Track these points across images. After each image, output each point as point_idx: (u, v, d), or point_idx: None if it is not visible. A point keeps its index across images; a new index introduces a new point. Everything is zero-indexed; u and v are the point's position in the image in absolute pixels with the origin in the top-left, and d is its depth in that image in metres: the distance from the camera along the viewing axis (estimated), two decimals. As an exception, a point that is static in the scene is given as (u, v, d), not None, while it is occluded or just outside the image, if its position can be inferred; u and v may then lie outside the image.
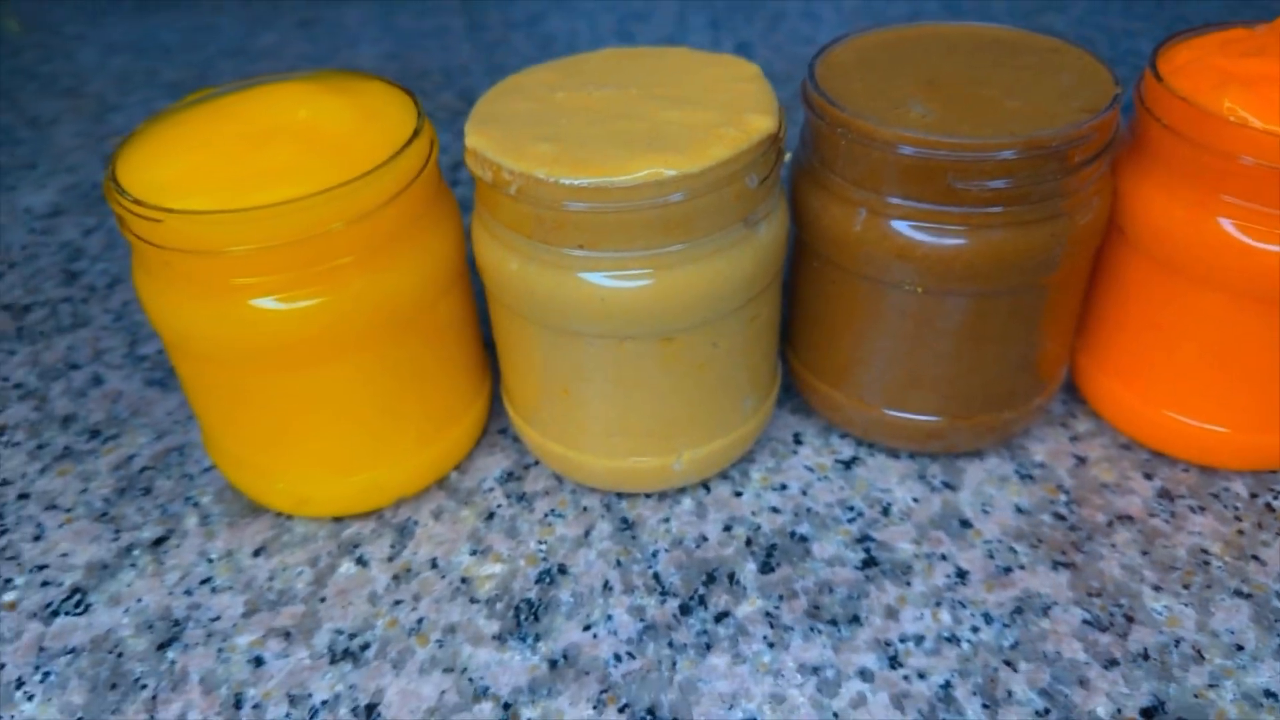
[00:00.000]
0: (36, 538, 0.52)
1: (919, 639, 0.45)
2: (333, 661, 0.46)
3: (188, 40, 1.10)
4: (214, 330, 0.45)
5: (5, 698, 0.45)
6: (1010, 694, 0.42)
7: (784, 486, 0.53)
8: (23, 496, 0.55)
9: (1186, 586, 0.47)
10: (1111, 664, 0.43)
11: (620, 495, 0.53)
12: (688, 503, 0.52)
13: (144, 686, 0.45)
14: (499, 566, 0.49)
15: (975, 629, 0.45)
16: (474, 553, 0.50)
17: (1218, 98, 0.45)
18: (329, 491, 0.51)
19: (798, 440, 0.56)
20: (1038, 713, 0.42)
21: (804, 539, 0.50)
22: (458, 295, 0.51)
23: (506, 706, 0.43)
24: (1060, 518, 0.50)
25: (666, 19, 1.03)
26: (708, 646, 0.45)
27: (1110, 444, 0.54)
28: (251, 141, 0.46)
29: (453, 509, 0.53)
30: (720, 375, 0.48)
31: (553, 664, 0.45)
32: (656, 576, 0.48)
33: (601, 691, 0.43)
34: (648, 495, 0.53)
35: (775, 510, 0.51)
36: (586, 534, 0.51)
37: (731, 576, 0.48)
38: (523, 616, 0.47)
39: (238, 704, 0.44)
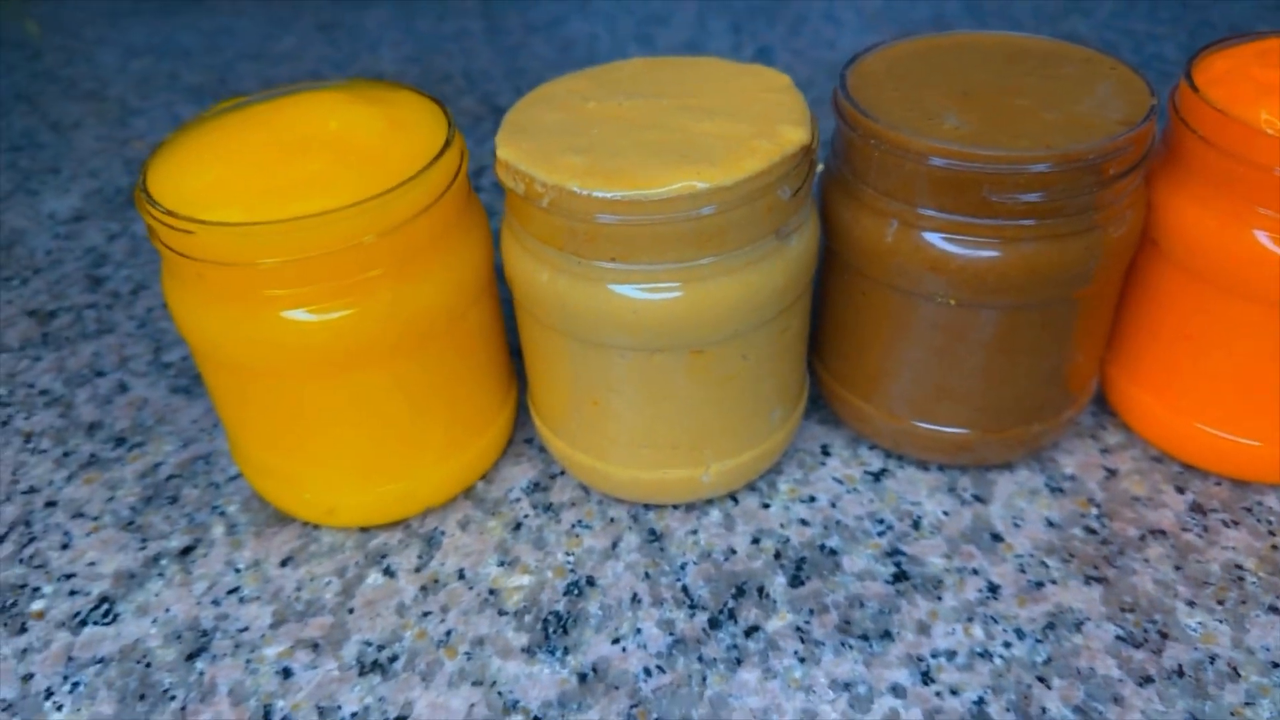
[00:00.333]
0: (64, 546, 0.52)
1: (951, 654, 0.45)
2: (361, 673, 0.45)
3: (208, 43, 1.10)
4: (244, 341, 0.45)
5: (35, 708, 0.45)
6: (1044, 710, 0.42)
7: (812, 499, 0.52)
8: (50, 504, 0.55)
9: (1221, 602, 0.46)
10: (1146, 681, 0.43)
11: (647, 507, 0.52)
12: (716, 514, 0.52)
13: (173, 697, 0.45)
14: (527, 578, 0.49)
15: (1008, 644, 0.45)
16: (501, 564, 0.50)
17: (1255, 110, 0.44)
18: (356, 501, 0.51)
19: (826, 452, 0.55)
20: (1072, 731, 0.41)
21: (834, 552, 0.49)
22: (486, 305, 0.51)
23: (536, 720, 0.43)
24: (1092, 531, 0.50)
25: (687, 23, 1.03)
26: (738, 661, 0.45)
27: (1141, 457, 0.54)
28: (283, 152, 0.46)
29: (480, 519, 0.52)
30: (749, 387, 0.48)
31: (582, 677, 0.45)
32: (685, 589, 0.48)
33: (632, 706, 0.43)
34: (675, 507, 0.52)
35: (804, 523, 0.51)
36: (614, 546, 0.50)
37: (761, 590, 0.48)
38: (551, 629, 0.47)
39: (267, 716, 0.44)
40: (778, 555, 0.49)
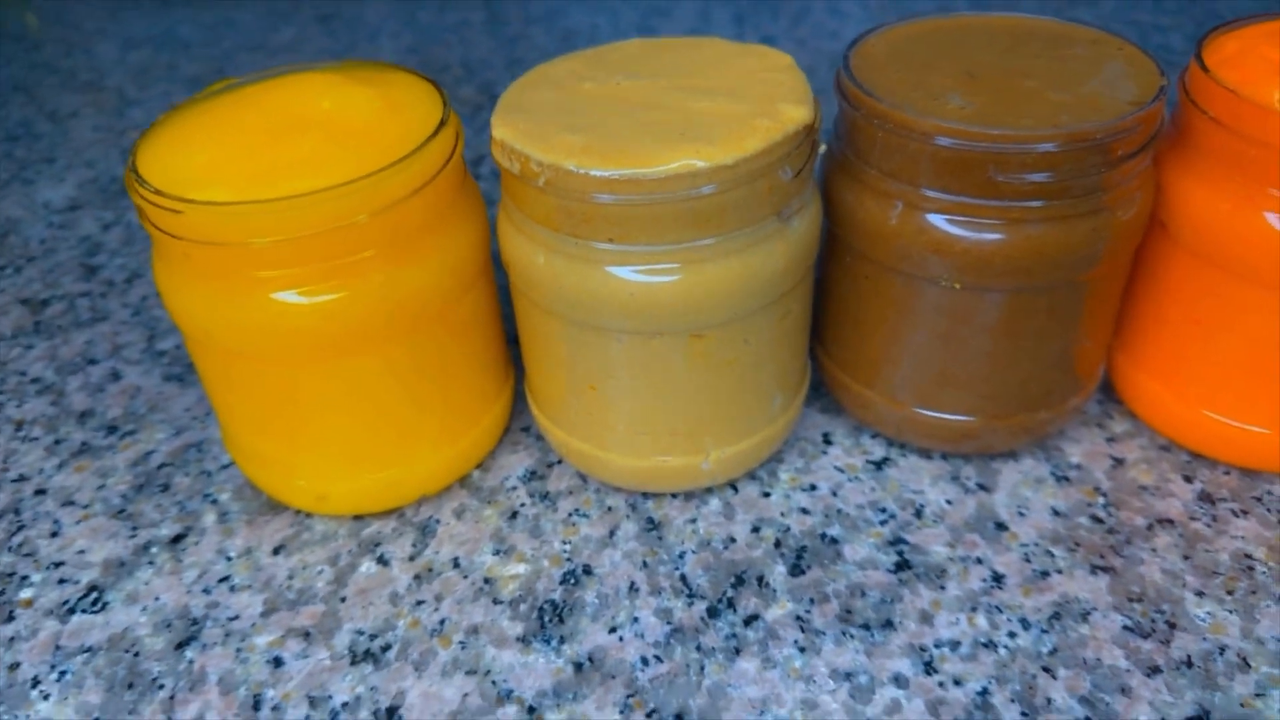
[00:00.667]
0: (54, 534, 0.52)
1: (955, 644, 0.44)
2: (353, 662, 0.45)
3: (206, 35, 1.09)
4: (235, 323, 0.44)
5: (21, 696, 0.44)
6: (1050, 701, 0.41)
7: (813, 487, 0.51)
8: (40, 492, 0.54)
9: (1230, 592, 0.45)
10: (1154, 671, 0.42)
11: (646, 495, 0.52)
12: (715, 503, 0.51)
13: (161, 686, 0.44)
14: (522, 567, 0.48)
15: (1013, 634, 0.44)
16: (497, 552, 0.49)
17: (1267, 89, 0.43)
18: (349, 489, 0.50)
19: (827, 440, 0.54)
20: (1079, 722, 0.41)
21: (835, 541, 0.48)
22: (482, 290, 0.50)
23: (531, 710, 0.42)
24: (1098, 520, 0.49)
25: (690, 14, 1.02)
26: (737, 650, 0.44)
27: (1149, 445, 0.53)
28: (274, 132, 0.45)
29: (475, 508, 0.52)
30: (750, 373, 0.47)
31: (578, 667, 0.44)
32: (684, 578, 0.47)
33: (628, 696, 0.42)
34: (674, 495, 0.51)
35: (805, 511, 0.50)
36: (611, 534, 0.50)
37: (760, 579, 0.47)
38: (547, 618, 0.46)
39: (256, 705, 0.43)
40: (778, 544, 0.48)
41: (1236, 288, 0.46)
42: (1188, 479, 0.51)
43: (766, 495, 0.51)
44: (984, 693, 0.42)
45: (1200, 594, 0.45)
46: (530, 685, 0.43)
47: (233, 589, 0.48)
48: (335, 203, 0.42)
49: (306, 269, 0.43)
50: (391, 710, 0.43)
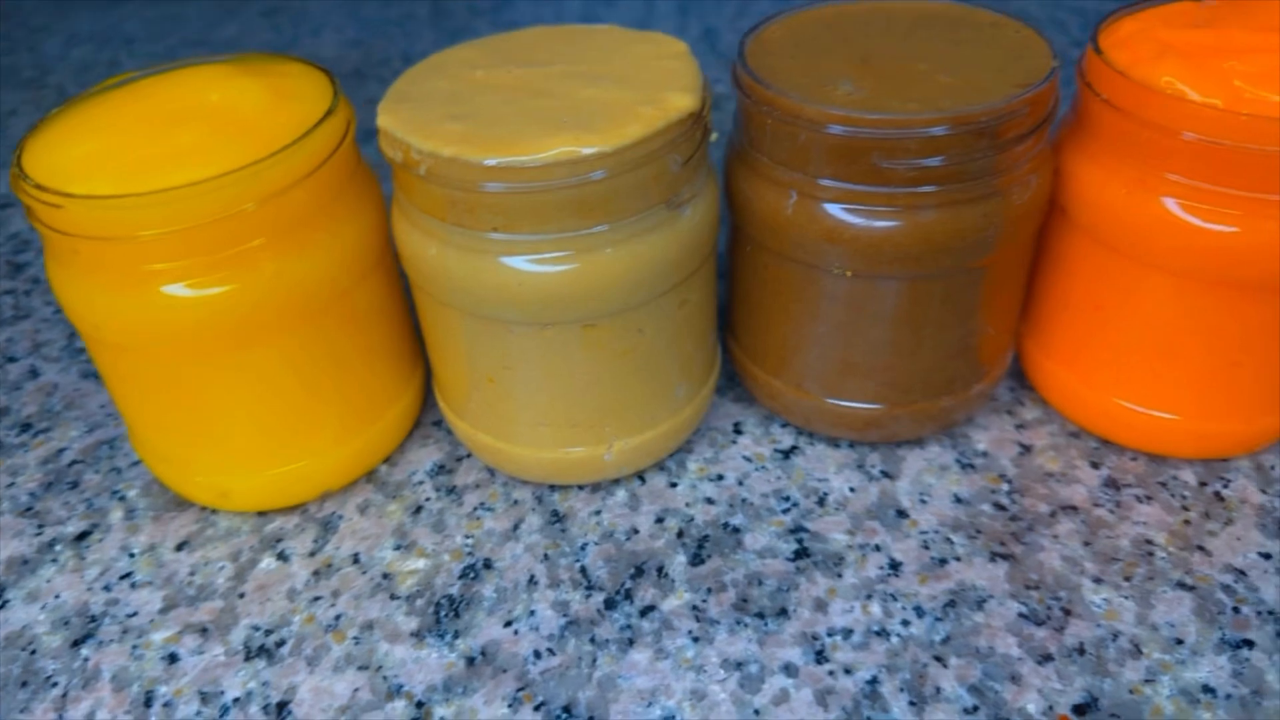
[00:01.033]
0: (-45, 533, 0.51)
1: (847, 633, 0.43)
2: (247, 658, 0.44)
3: (151, 31, 1.08)
4: (126, 319, 0.44)
5: (-90, 697, 0.44)
6: (939, 690, 0.41)
7: (720, 477, 0.51)
8: (-55, 491, 0.54)
9: (1128, 578, 0.45)
10: (1045, 659, 0.42)
11: (553, 488, 0.51)
12: (621, 494, 0.51)
13: (54, 684, 0.44)
14: (422, 562, 0.48)
15: (906, 622, 0.44)
16: (398, 548, 0.49)
17: (1156, 70, 0.43)
18: (250, 484, 0.50)
19: (738, 430, 0.54)
20: (966, 710, 0.40)
21: (736, 530, 0.48)
22: (379, 280, 0.49)
23: (420, 705, 0.42)
24: (1001, 508, 0.48)
25: (634, 4, 1.02)
26: (630, 642, 0.44)
27: (1058, 432, 0.52)
28: (159, 125, 0.44)
29: (380, 503, 0.51)
30: (648, 362, 0.47)
31: (470, 661, 0.43)
32: (584, 570, 0.47)
33: (518, 689, 0.42)
34: (581, 487, 0.51)
35: (710, 501, 0.50)
36: (515, 527, 0.49)
37: (660, 569, 0.47)
38: (443, 613, 0.46)
39: (148, 702, 0.43)
40: (680, 534, 0.48)
41: (1136, 272, 0.46)
42: (1095, 465, 0.50)
43: (673, 486, 0.51)
44: (873, 681, 0.41)
45: (1098, 580, 0.45)
46: (421, 680, 0.43)
47: (134, 586, 0.48)
48: (218, 192, 0.41)
49: (194, 260, 0.43)
50: (281, 705, 0.42)
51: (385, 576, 0.47)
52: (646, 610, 0.45)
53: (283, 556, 0.49)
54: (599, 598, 0.46)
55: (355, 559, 0.48)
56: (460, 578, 0.47)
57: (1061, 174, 0.47)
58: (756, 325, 0.52)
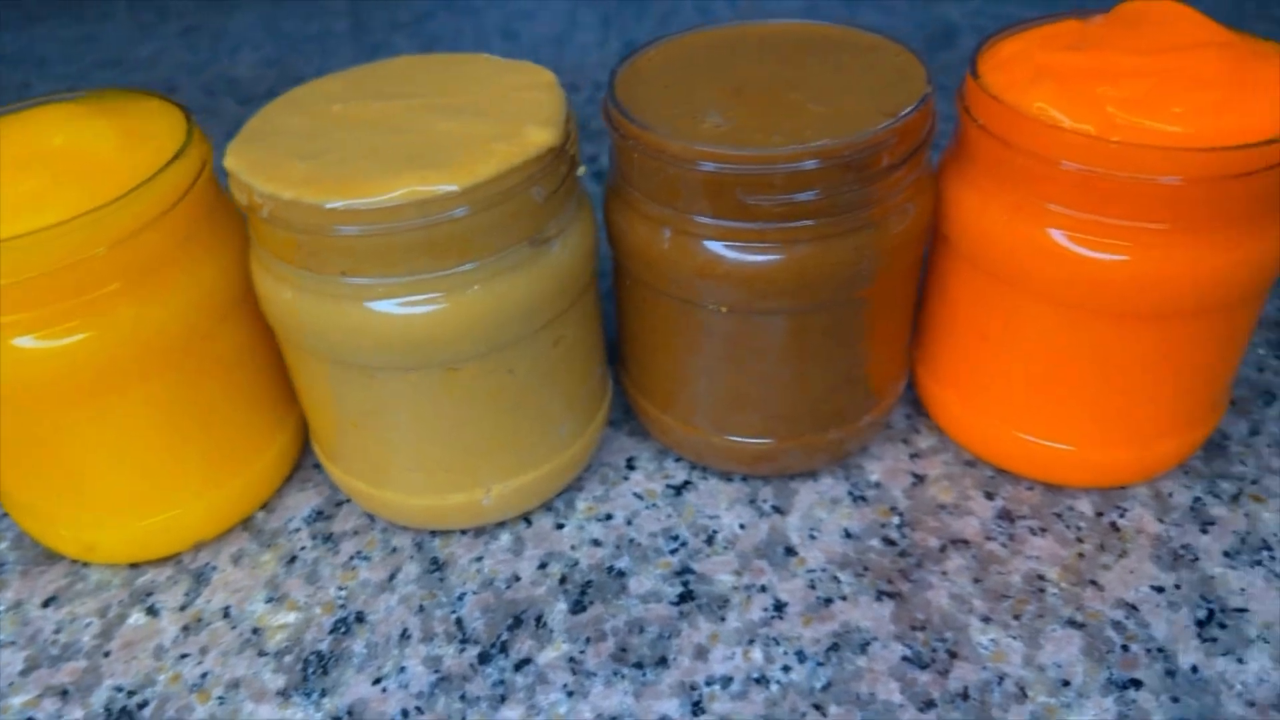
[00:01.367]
0: None
1: (726, 681, 0.42)
2: (105, 724, 0.42)
3: (66, 51, 1.05)
4: (-27, 372, 0.42)
5: None
6: (816, 741, 0.40)
7: (609, 516, 0.50)
8: None
9: (1017, 617, 0.44)
10: (928, 705, 0.41)
11: (434, 533, 0.50)
12: (505, 538, 0.49)
13: (-99, 758, 0.42)
14: (293, 615, 0.46)
15: (787, 668, 0.42)
16: (270, 600, 0.47)
17: (1030, 96, 0.42)
18: (117, 537, 0.48)
19: (630, 465, 0.53)
20: (842, 762, 0.39)
21: (622, 574, 0.47)
22: (243, 320, 0.47)
23: (278, 771, 0.40)
24: (890, 543, 0.47)
25: (557, 17, 1.00)
26: (502, 699, 0.42)
27: (953, 461, 0.51)
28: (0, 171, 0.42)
29: (254, 552, 0.49)
30: (524, 403, 0.45)
31: (334, 722, 0.42)
32: (459, 622, 0.45)
33: (382, 751, 0.40)
34: (463, 532, 0.49)
35: (596, 543, 0.48)
36: (391, 577, 0.47)
37: (539, 619, 0.45)
38: (311, 670, 0.44)
39: (-3, 775, 0.41)
40: (563, 580, 0.47)
41: (1019, 301, 0.45)
42: (989, 496, 0.49)
43: (560, 527, 0.49)
44: (748, 734, 0.40)
45: (986, 619, 0.44)
46: (281, 744, 0.41)
47: (-5, 647, 0.46)
48: (64, 239, 0.40)
49: (45, 311, 0.41)
50: (136, 776, 0.41)
51: (255, 631, 0.46)
52: (522, 664, 0.43)
53: (152, 611, 0.47)
54: (473, 651, 0.44)
55: (226, 613, 0.47)
56: (331, 632, 0.45)
57: (943, 201, 0.46)
58: (643, 360, 0.50)
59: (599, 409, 0.51)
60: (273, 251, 0.42)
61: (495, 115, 0.42)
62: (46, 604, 0.48)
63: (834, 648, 0.43)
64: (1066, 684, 0.41)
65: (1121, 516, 0.48)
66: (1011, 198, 0.43)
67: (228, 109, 0.91)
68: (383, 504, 0.48)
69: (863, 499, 0.49)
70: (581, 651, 0.43)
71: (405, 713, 0.42)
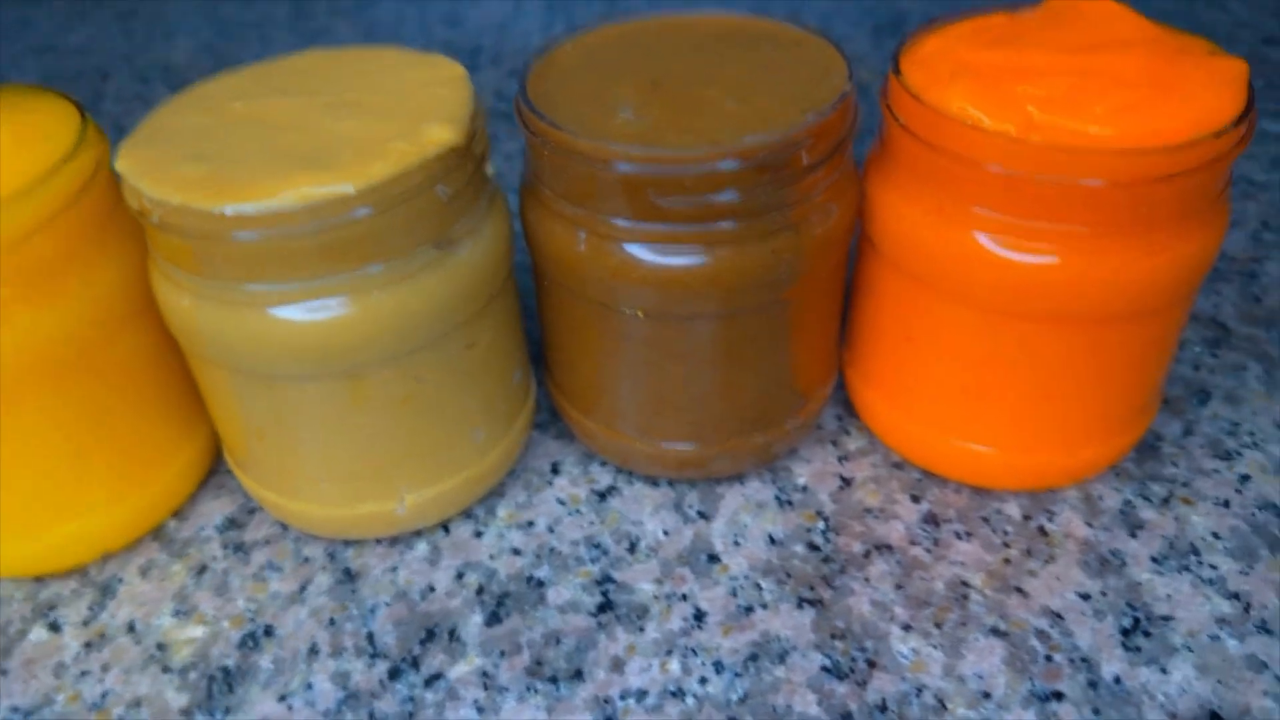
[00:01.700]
0: None
1: (642, 694, 0.41)
2: (-2, 747, 0.41)
3: (-2, 36, 1.02)
4: None
5: None
6: (730, 757, 0.39)
7: (531, 524, 0.48)
8: None
9: (939, 625, 0.43)
10: (844, 718, 0.40)
11: (348, 542, 0.48)
12: (422, 547, 0.48)
13: None
14: (201, 629, 0.45)
15: (704, 680, 0.41)
16: (177, 614, 0.45)
17: (950, 94, 0.40)
18: (18, 549, 0.46)
19: (555, 470, 0.51)
20: (755, 779, 0.38)
21: (541, 584, 0.46)
22: (145, 327, 0.45)
23: (175, 795, 0.39)
24: (814, 548, 0.46)
25: (503, 3, 0.98)
26: (410, 716, 0.41)
27: (881, 463, 0.50)
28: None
29: (164, 563, 0.48)
30: (435, 410, 0.44)
31: (236, 742, 0.40)
32: (370, 636, 0.44)
33: (284, 773, 0.39)
34: (379, 541, 0.48)
35: (516, 552, 0.47)
36: (302, 589, 0.46)
37: (453, 632, 0.44)
38: (216, 687, 0.42)
39: (-116, 802, 0.39)
40: (480, 591, 0.45)
41: (943, 305, 0.44)
42: (916, 499, 0.48)
43: (479, 535, 0.48)
44: (661, 751, 0.39)
45: (908, 628, 0.43)
46: (180, 766, 0.40)
47: (-110, 666, 0.44)
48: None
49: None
50: (28, 801, 0.39)
51: (160, 647, 0.44)
52: (433, 679, 0.42)
53: (54, 626, 0.45)
54: (383, 666, 0.43)
55: (131, 627, 0.45)
56: (238, 647, 0.44)
57: (867, 201, 0.45)
58: (565, 363, 0.49)
59: (520, 413, 0.49)
60: (167, 257, 0.40)
61: (398, 113, 0.41)
62: (-53, 619, 0.46)
63: (753, 658, 0.42)
64: (987, 696, 0.40)
65: (1050, 520, 0.47)
66: (934, 200, 0.42)
67: (163, 97, 0.88)
68: (293, 514, 0.46)
69: (789, 503, 0.48)
70: (495, 665, 0.42)
71: (310, 732, 0.41)
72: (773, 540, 0.47)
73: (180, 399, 0.48)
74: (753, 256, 0.41)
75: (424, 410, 0.43)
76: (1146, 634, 0.42)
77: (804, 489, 0.49)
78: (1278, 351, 0.56)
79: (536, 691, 0.41)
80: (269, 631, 0.44)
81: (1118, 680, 0.41)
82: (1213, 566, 0.45)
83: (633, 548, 0.47)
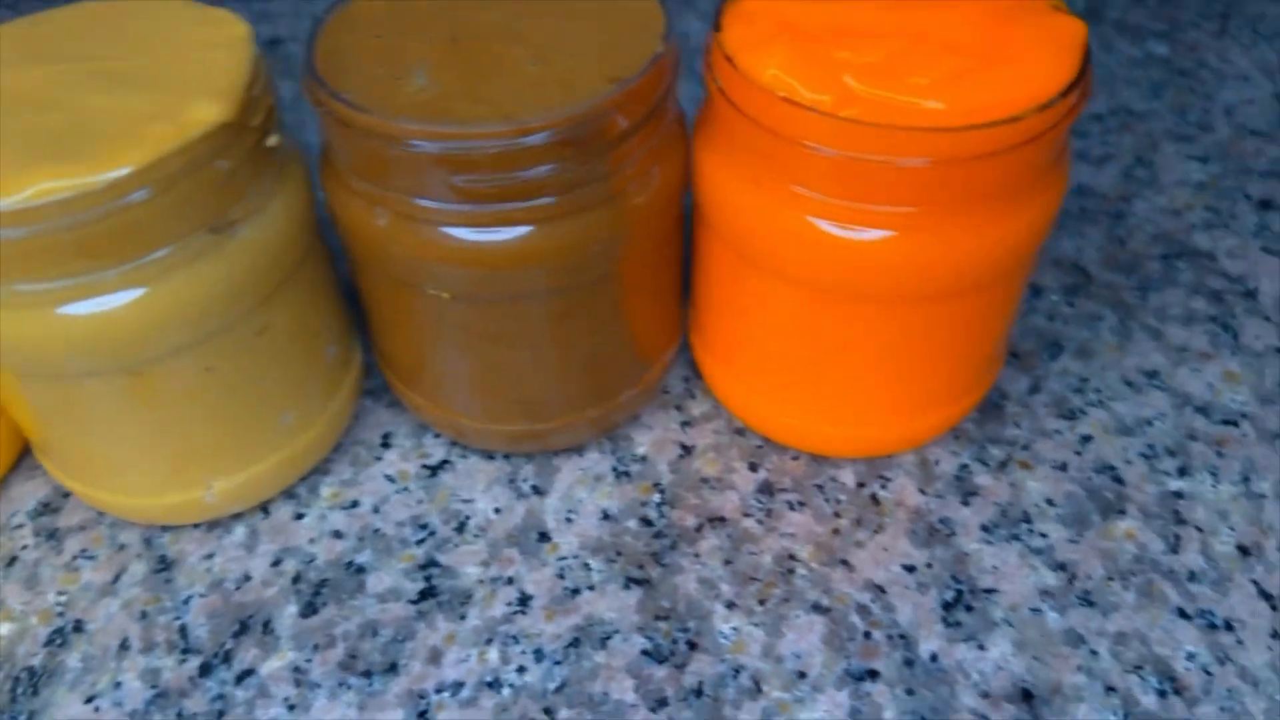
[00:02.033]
0: None
1: (458, 687, 0.40)
2: None
3: None
4: None
5: None
6: (541, 750, 0.38)
7: (355, 504, 0.47)
8: None
9: (763, 602, 0.43)
10: (660, 705, 0.40)
11: (165, 527, 0.46)
12: (240, 532, 0.46)
13: None
14: (6, 627, 0.43)
15: (522, 669, 0.41)
16: (-19, 610, 0.44)
17: (764, 59, 0.37)
18: None
19: (386, 443, 0.49)
20: (563, 772, 0.38)
21: (361, 570, 0.44)
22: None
23: (-31, 809, 0.38)
24: (647, 523, 0.45)
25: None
26: (220, 715, 0.40)
27: (723, 429, 0.49)
28: None
29: (-31, 555, 0.46)
30: (231, 398, 0.41)
31: (36, 750, 0.39)
32: (183, 630, 0.43)
33: (84, 781, 0.38)
34: (195, 526, 0.46)
35: (338, 535, 0.46)
36: (115, 579, 0.44)
37: (267, 624, 0.42)
38: (20, 689, 0.41)
39: None
40: (297, 579, 0.44)
41: (768, 281, 0.42)
42: (753, 467, 0.47)
43: (300, 518, 0.46)
44: (471, 746, 0.39)
45: (731, 605, 0.42)
46: (-24, 777, 0.39)
47: None
48: None
49: None
50: None
51: (-38, 648, 0.42)
52: (244, 675, 0.41)
53: None
54: (194, 662, 0.41)
55: (-68, 627, 0.43)
56: (46, 645, 0.42)
57: (694, 171, 0.42)
58: (386, 339, 0.46)
59: (338, 389, 0.47)
60: (-84, 249, 0.37)
61: (165, 84, 0.37)
62: None
63: (574, 644, 0.41)
64: (803, 676, 0.40)
65: (883, 488, 0.46)
66: (751, 171, 0.39)
67: None
68: (100, 502, 0.44)
69: (626, 474, 0.47)
70: (308, 660, 0.41)
71: (114, 736, 0.39)
72: (606, 515, 0.46)
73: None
74: (568, 232, 0.39)
75: (219, 400, 0.41)
76: (968, 608, 0.42)
77: (643, 459, 0.48)
78: (1136, 299, 0.55)
79: (349, 687, 0.40)
80: (79, 626, 0.43)
81: (934, 658, 0.41)
82: (1043, 535, 0.45)
83: (461, 528, 0.46)
